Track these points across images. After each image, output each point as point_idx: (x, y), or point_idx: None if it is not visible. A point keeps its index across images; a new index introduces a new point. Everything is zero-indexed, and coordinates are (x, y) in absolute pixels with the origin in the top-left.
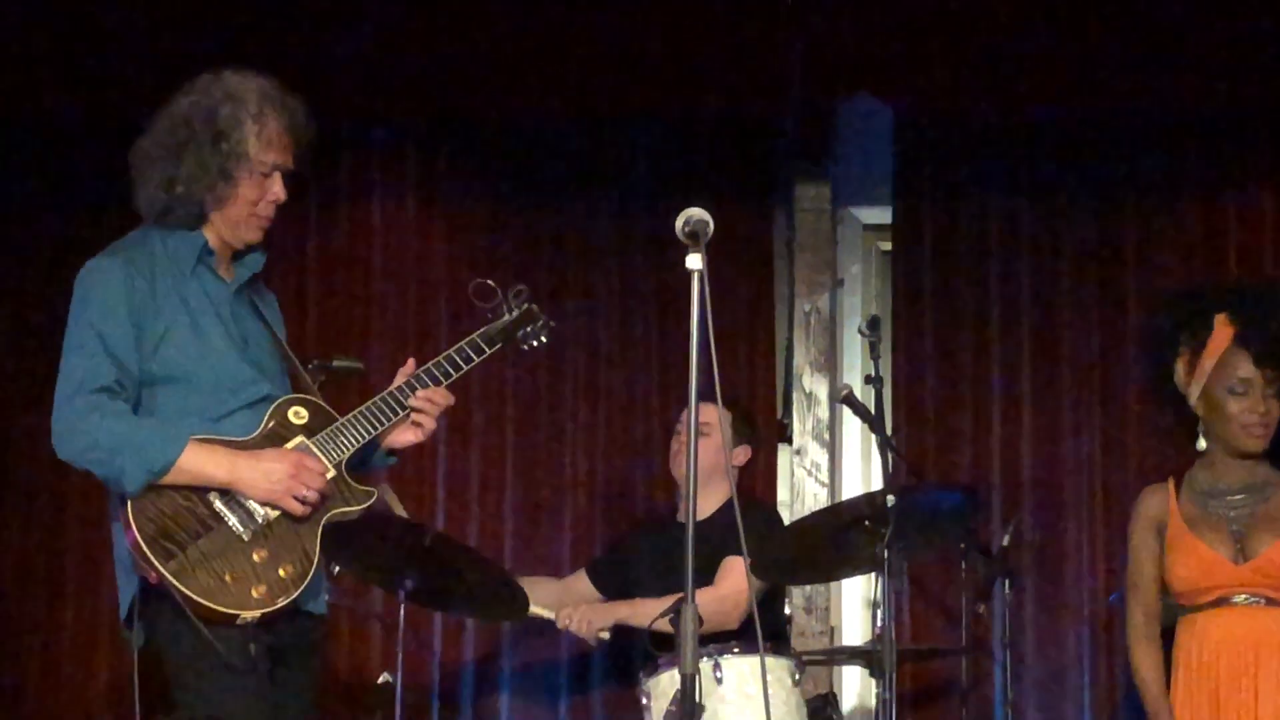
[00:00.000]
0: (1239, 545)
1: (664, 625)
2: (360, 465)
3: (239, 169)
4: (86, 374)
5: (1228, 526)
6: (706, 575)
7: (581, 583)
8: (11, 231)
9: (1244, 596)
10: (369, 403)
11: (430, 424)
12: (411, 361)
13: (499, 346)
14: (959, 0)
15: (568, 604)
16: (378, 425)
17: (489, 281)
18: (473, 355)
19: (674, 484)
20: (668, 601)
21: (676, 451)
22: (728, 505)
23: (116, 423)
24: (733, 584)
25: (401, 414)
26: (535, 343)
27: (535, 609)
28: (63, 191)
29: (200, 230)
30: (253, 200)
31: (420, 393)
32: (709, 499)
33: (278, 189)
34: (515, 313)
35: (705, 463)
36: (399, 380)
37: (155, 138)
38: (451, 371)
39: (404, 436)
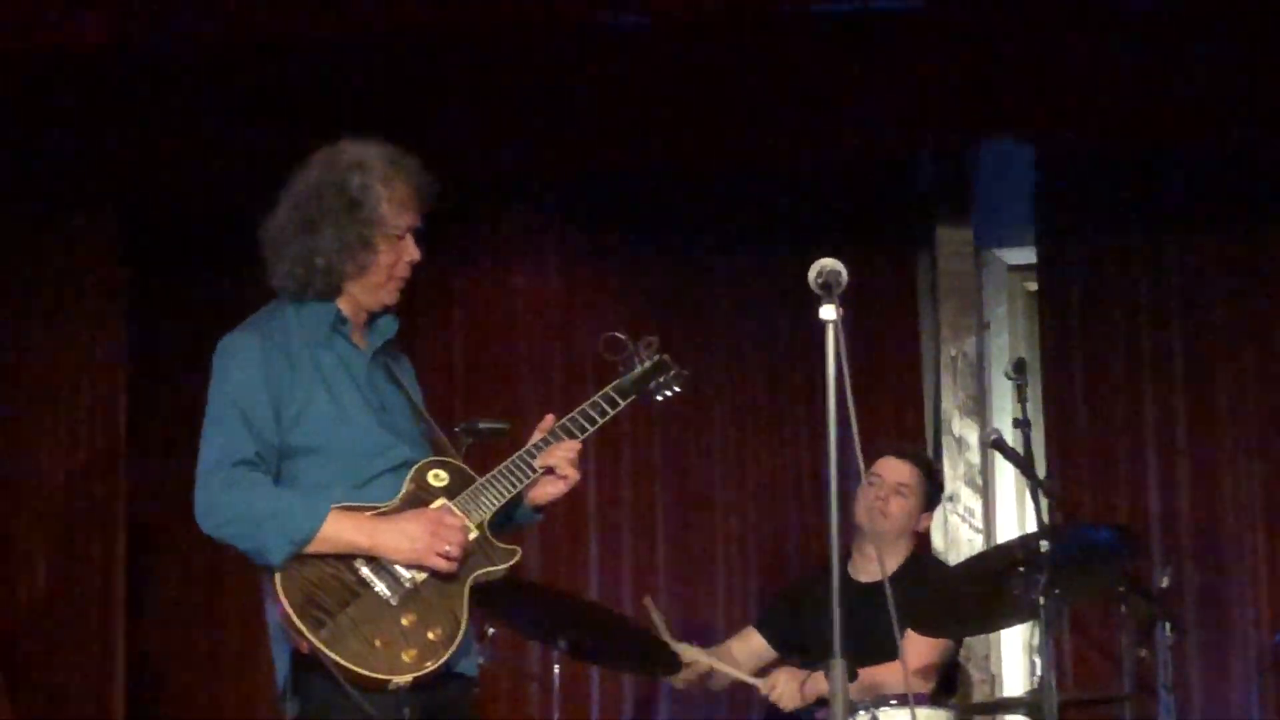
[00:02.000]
0: None
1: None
2: (505, 523)
3: (376, 235)
4: (226, 448)
5: None
6: (886, 637)
7: (753, 640)
8: (166, 297)
9: None
10: (507, 461)
11: (571, 475)
12: (550, 417)
13: (632, 399)
14: (1095, 37)
15: (739, 662)
16: (517, 483)
17: (618, 334)
18: (606, 409)
19: (846, 535)
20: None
21: (871, 504)
22: (907, 566)
23: (258, 496)
24: (921, 660)
25: (539, 471)
26: (669, 392)
27: (730, 671)
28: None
29: (333, 300)
30: (391, 264)
31: (549, 449)
32: (892, 558)
33: (414, 250)
34: (647, 363)
35: (896, 524)
36: (536, 436)
37: (287, 215)
38: (587, 426)
39: (548, 491)
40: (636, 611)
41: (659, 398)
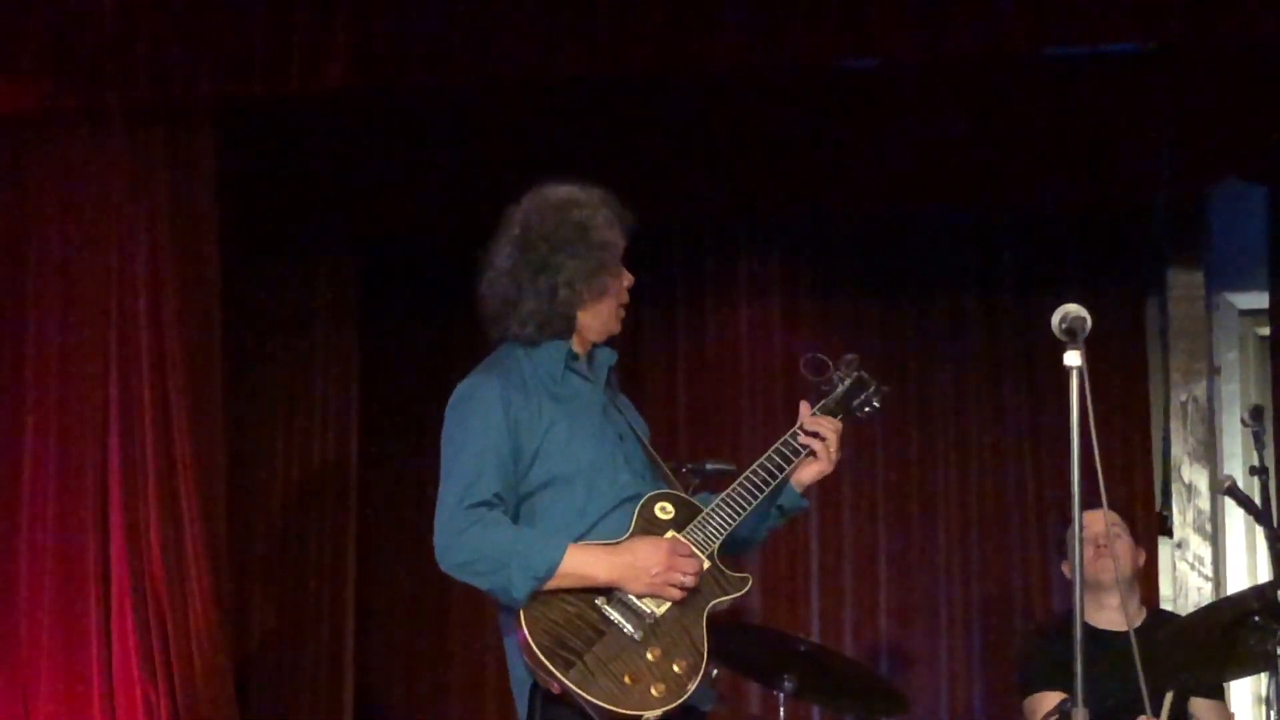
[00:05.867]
0: None
1: None
2: (768, 518)
3: (609, 259)
4: (466, 490)
5: None
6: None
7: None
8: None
9: None
10: (730, 488)
11: (826, 451)
12: (804, 404)
13: (838, 419)
14: None
15: None
16: (743, 509)
17: (819, 355)
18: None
19: (1068, 587)
20: None
21: (1095, 555)
22: (1154, 617)
23: (498, 534)
24: None
25: (764, 492)
26: (869, 409)
27: None
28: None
29: (566, 338)
30: (619, 289)
31: (806, 424)
32: (1133, 607)
33: (629, 273)
34: (847, 382)
35: (1125, 563)
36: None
37: (514, 262)
38: (800, 449)
39: (808, 472)
40: (857, 653)
41: (859, 415)
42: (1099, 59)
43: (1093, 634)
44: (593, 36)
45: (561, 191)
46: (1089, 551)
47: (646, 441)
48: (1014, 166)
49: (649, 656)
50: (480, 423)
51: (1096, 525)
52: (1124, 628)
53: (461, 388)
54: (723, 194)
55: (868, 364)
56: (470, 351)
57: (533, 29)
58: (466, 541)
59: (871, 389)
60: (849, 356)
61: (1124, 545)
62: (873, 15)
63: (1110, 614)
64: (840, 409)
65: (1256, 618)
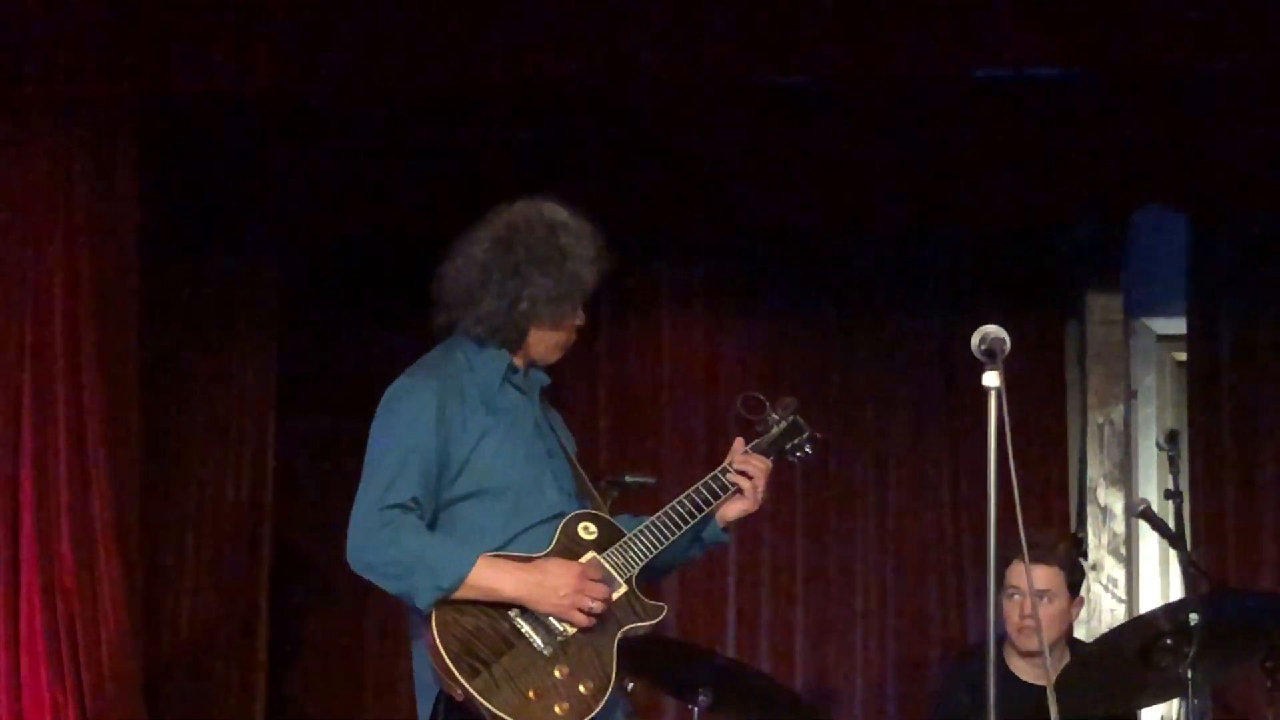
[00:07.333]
0: None
1: None
2: (690, 550)
3: (579, 293)
4: (385, 490)
5: None
6: None
7: None
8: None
9: None
10: (655, 516)
11: (753, 491)
12: (739, 441)
13: (769, 459)
14: (1249, 106)
15: None
16: (665, 539)
17: (758, 395)
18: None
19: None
20: None
21: (1019, 623)
22: (1073, 650)
23: (411, 539)
24: None
25: (688, 524)
26: (801, 454)
27: None
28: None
29: (512, 350)
30: (573, 325)
31: (737, 462)
32: (1055, 659)
33: (583, 315)
34: (783, 425)
35: (1052, 635)
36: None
37: (489, 259)
38: (728, 485)
39: (733, 509)
40: (773, 668)
41: (791, 459)
42: (1026, 83)
43: (1011, 680)
44: (518, 47)
45: (558, 212)
46: (1013, 614)
47: (575, 460)
48: (939, 188)
49: (556, 674)
50: (410, 423)
51: (1024, 584)
52: (1044, 681)
53: (398, 384)
54: (649, 207)
55: (790, 385)
56: (390, 365)
57: (458, 38)
58: (378, 543)
59: (805, 435)
60: (787, 400)
61: (1055, 609)
62: (803, 34)
63: (1033, 666)
64: (773, 450)
65: (1168, 640)
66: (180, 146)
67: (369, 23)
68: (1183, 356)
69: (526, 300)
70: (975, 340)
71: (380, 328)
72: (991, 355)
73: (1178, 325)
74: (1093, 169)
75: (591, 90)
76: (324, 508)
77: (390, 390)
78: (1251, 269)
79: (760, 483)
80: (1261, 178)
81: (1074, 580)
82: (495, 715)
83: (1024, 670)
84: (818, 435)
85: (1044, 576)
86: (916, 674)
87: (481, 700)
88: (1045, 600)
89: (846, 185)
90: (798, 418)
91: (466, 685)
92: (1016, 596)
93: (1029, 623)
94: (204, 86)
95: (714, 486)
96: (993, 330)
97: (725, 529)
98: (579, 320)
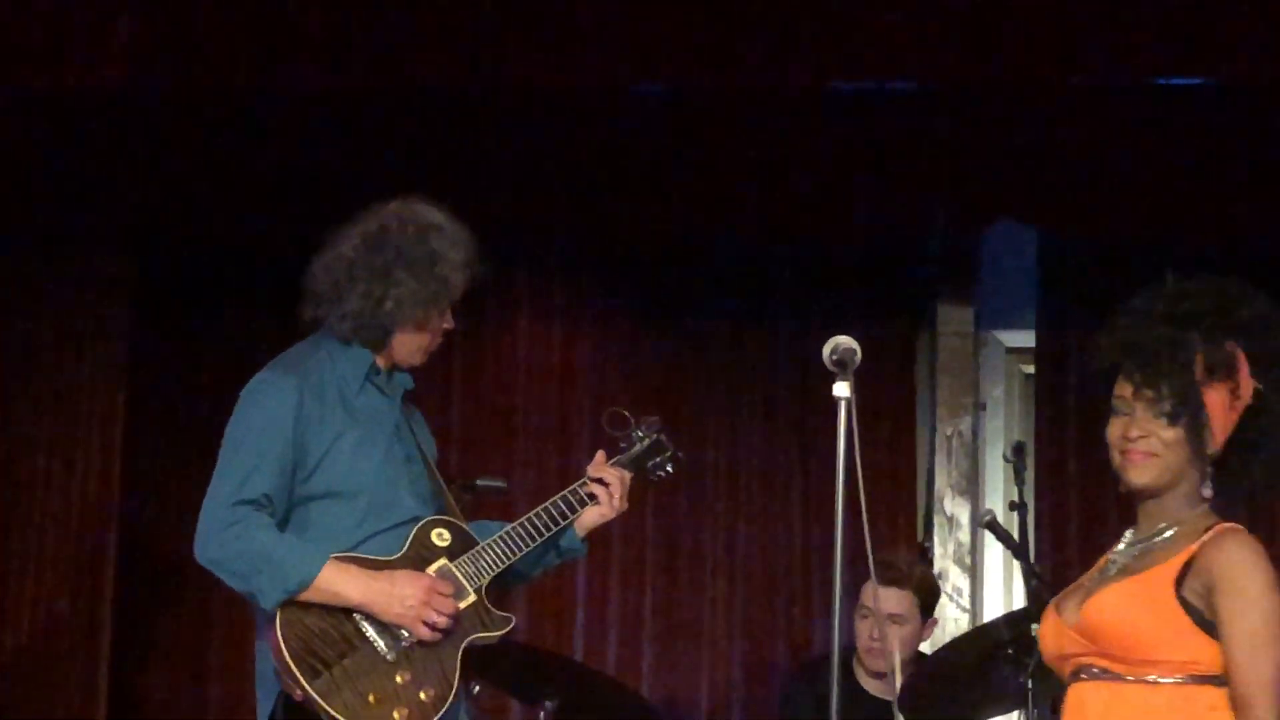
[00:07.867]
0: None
1: None
2: (545, 558)
3: (444, 297)
4: (238, 486)
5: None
6: None
7: None
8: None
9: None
10: (513, 525)
11: (609, 498)
12: (601, 454)
13: (630, 473)
14: (1102, 126)
15: None
16: (518, 550)
17: (623, 411)
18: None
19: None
20: None
21: (869, 644)
22: (911, 680)
23: (259, 537)
24: None
25: (542, 537)
26: (661, 473)
27: None
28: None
29: (375, 350)
30: (438, 329)
31: (591, 474)
32: (902, 676)
33: (451, 319)
34: (646, 442)
35: (903, 656)
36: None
37: (359, 255)
38: (585, 499)
39: (590, 515)
40: (620, 674)
41: (652, 477)
42: (881, 95)
43: (858, 693)
44: (384, 49)
45: (432, 214)
46: (864, 634)
47: (434, 464)
48: (794, 198)
49: (398, 679)
50: (267, 419)
51: (876, 606)
52: (890, 695)
53: (258, 379)
54: (506, 212)
55: (644, 390)
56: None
57: (319, 39)
58: (225, 539)
59: (668, 454)
60: (652, 418)
61: (907, 632)
62: (661, 42)
63: (879, 680)
64: (634, 467)
65: (1010, 649)
66: (31, 139)
67: (228, 23)
68: (1031, 369)
69: (393, 301)
70: (827, 351)
71: (233, 326)
72: (842, 366)
73: (1027, 339)
74: (946, 182)
75: (449, 94)
76: (172, 506)
77: (250, 384)
78: (1100, 284)
79: (617, 490)
80: (1111, 194)
81: (927, 604)
82: (332, 717)
83: (870, 684)
84: (680, 455)
85: (896, 600)
86: (764, 681)
87: (320, 701)
88: (897, 623)
89: (700, 195)
90: (661, 436)
91: (306, 686)
92: (870, 618)
93: (877, 645)
94: (54, 83)
95: (571, 500)
96: (844, 341)
97: (584, 539)
98: (446, 324)
